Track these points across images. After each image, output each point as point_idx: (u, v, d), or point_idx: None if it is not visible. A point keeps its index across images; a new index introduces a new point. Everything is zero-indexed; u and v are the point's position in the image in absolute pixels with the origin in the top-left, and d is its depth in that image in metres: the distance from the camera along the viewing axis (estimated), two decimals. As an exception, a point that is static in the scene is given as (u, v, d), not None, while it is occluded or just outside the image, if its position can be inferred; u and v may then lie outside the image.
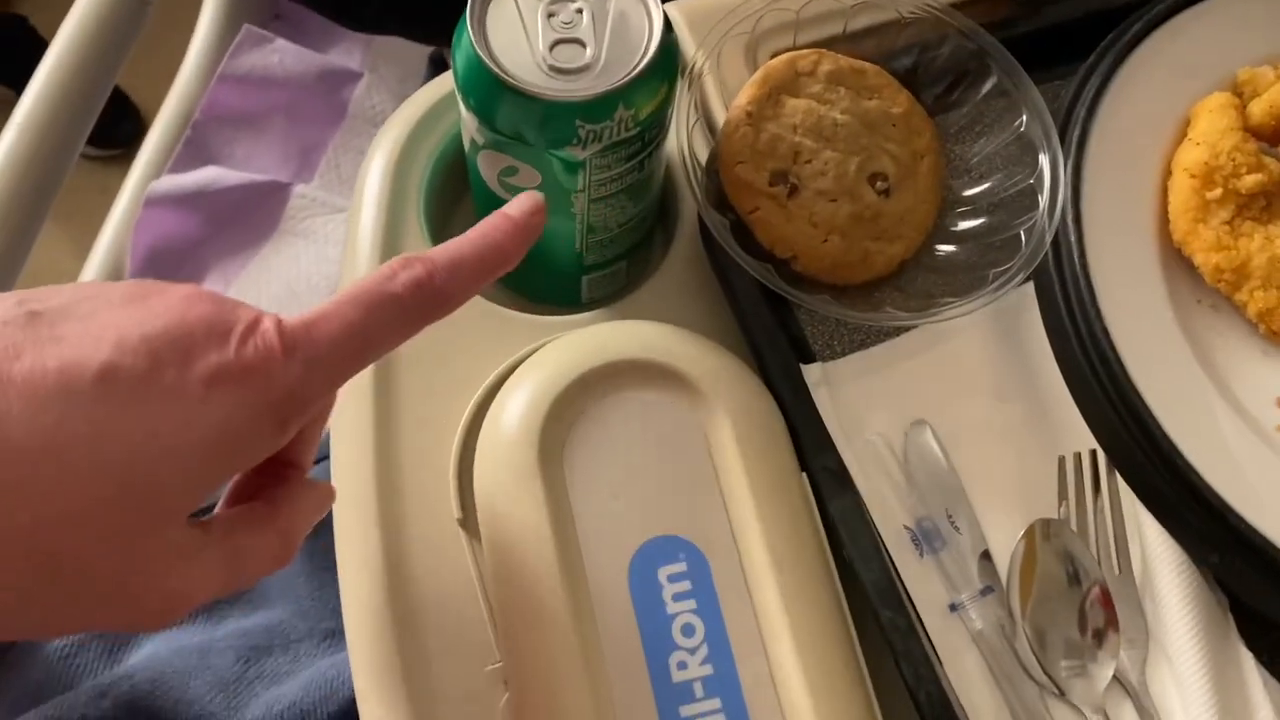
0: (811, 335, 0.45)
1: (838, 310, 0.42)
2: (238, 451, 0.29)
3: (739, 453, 0.39)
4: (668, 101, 0.41)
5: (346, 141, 0.97)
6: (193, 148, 0.90)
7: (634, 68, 0.38)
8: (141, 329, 0.27)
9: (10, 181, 0.71)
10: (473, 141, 0.42)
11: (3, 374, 0.26)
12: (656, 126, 0.41)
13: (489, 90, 0.39)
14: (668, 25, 0.40)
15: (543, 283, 0.49)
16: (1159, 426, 0.39)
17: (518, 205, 0.34)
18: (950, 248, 0.46)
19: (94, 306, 0.28)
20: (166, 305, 0.28)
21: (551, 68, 0.38)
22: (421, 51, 0.92)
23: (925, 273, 0.46)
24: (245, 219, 0.88)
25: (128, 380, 0.27)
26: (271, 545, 0.32)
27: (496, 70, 0.38)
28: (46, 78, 0.75)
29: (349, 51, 1.01)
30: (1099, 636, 0.39)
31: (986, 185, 0.46)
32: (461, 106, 0.41)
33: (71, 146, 0.77)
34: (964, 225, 0.46)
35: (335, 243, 0.86)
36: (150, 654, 0.56)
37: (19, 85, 0.76)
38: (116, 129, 1.65)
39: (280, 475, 0.34)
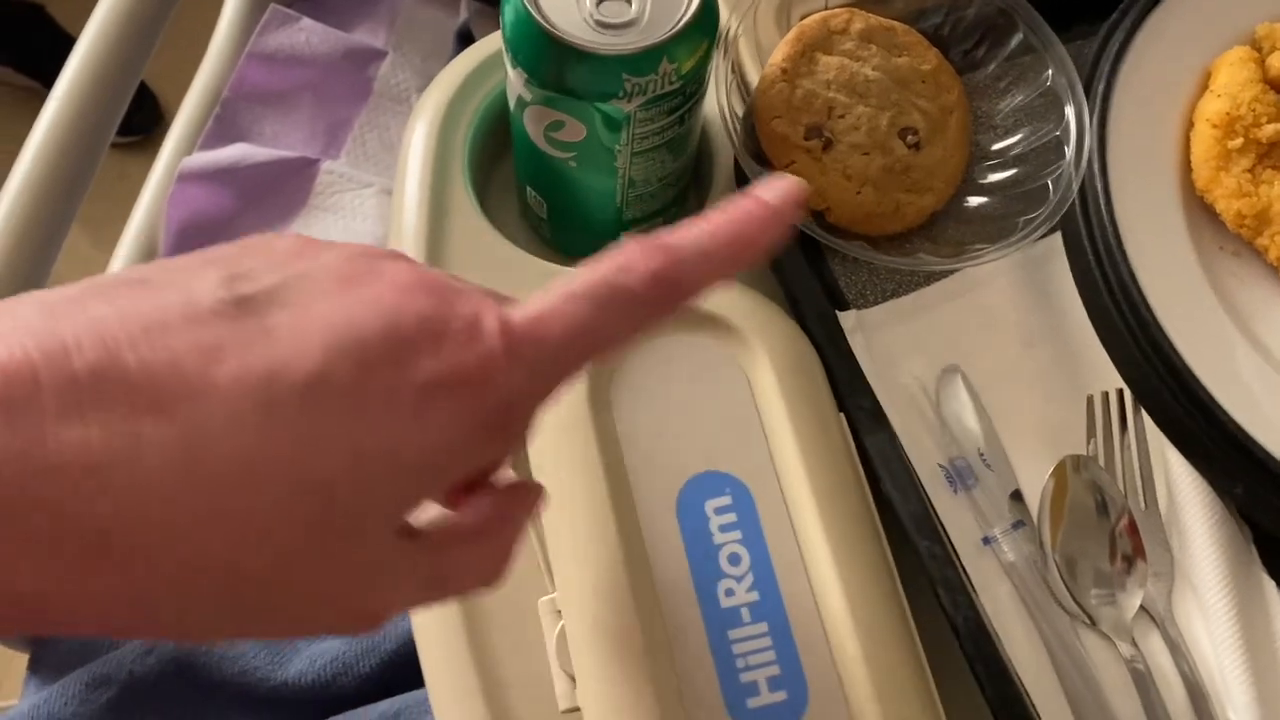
0: (845, 285, 0.47)
1: (873, 255, 0.43)
2: (452, 467, 0.26)
3: (780, 392, 0.41)
4: (708, 57, 0.42)
5: (372, 119, 0.98)
6: (222, 125, 0.92)
7: (677, 22, 0.40)
8: (353, 327, 0.24)
9: (43, 176, 0.72)
10: (519, 99, 0.43)
11: (204, 379, 0.22)
12: (697, 81, 0.42)
13: (537, 45, 0.40)
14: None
15: (584, 239, 0.50)
16: (1184, 364, 0.41)
17: (773, 189, 0.28)
18: (979, 199, 0.47)
19: (306, 289, 0.24)
20: (380, 297, 0.25)
21: (598, 23, 0.40)
22: (447, 29, 0.94)
23: (955, 223, 0.47)
24: (275, 194, 0.89)
25: (337, 390, 0.23)
26: (481, 564, 0.29)
27: (545, 25, 0.39)
28: (76, 70, 0.76)
29: (374, 31, 1.03)
30: (1128, 564, 0.41)
31: (1014, 138, 0.47)
32: (508, 64, 0.42)
33: (103, 139, 0.78)
34: (992, 178, 0.47)
35: (363, 217, 0.87)
36: (198, 610, 0.58)
37: (38, 74, 0.78)
38: (133, 117, 1.67)
39: (484, 479, 0.30)
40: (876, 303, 0.47)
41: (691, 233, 0.27)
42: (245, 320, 0.23)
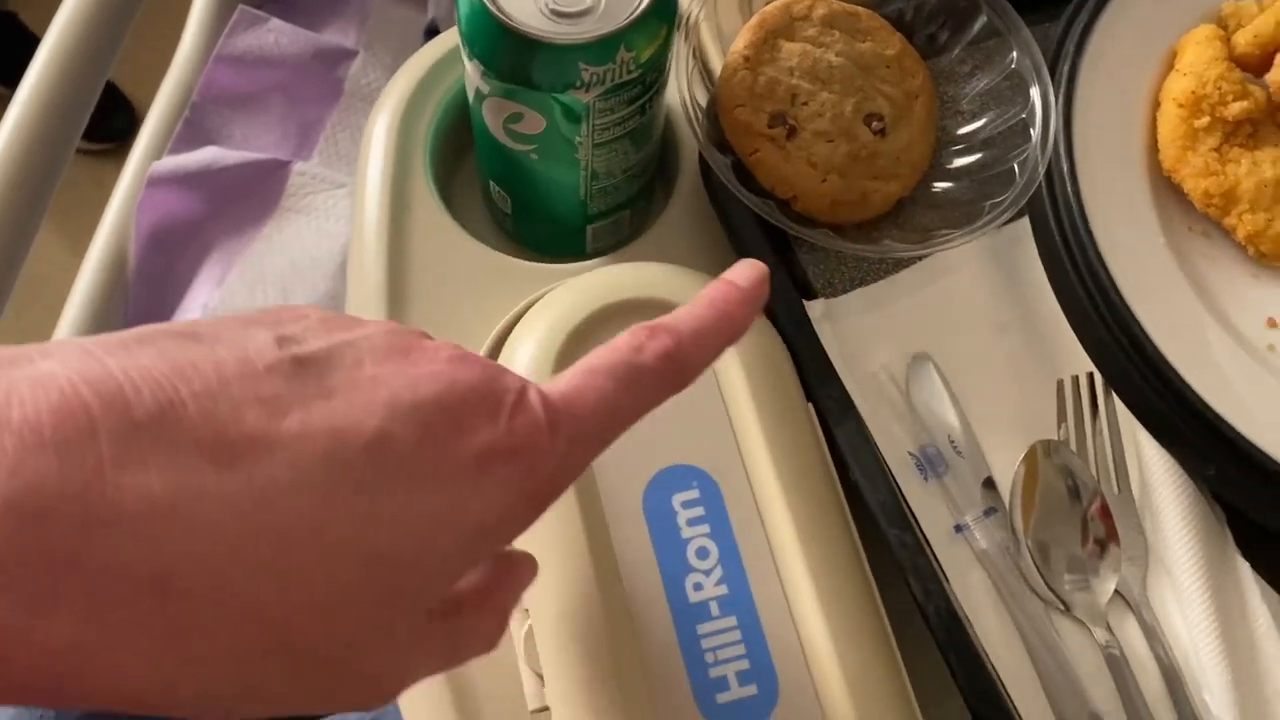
0: (813, 274, 0.47)
1: (838, 243, 0.43)
2: (498, 537, 0.26)
3: (746, 384, 0.40)
4: (667, 44, 0.42)
5: (344, 119, 0.97)
6: (192, 129, 0.91)
7: (634, 10, 0.39)
8: (413, 392, 0.24)
9: (8, 180, 0.71)
10: (477, 91, 0.43)
11: (269, 432, 0.22)
12: (657, 70, 0.42)
13: (492, 36, 0.39)
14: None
15: (548, 234, 0.50)
16: (1154, 346, 0.40)
17: (742, 273, 0.31)
18: (946, 185, 0.47)
19: (357, 355, 0.25)
20: (434, 364, 0.25)
21: (554, 12, 0.39)
22: (418, 27, 0.93)
23: (922, 210, 0.47)
24: (247, 197, 0.89)
25: (400, 452, 0.23)
26: (488, 628, 0.29)
27: (500, 15, 0.39)
28: (40, 72, 0.75)
29: (344, 30, 1.02)
30: (1101, 548, 0.41)
31: (980, 122, 0.47)
32: (465, 56, 0.42)
33: (68, 141, 0.77)
34: (959, 162, 0.47)
35: (336, 218, 0.86)
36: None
37: (11, 82, 0.77)
38: (110, 123, 1.66)
39: None
40: (845, 290, 0.46)
41: (688, 316, 0.29)
42: (305, 379, 0.23)
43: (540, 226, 0.50)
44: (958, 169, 0.47)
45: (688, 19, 0.45)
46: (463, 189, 0.53)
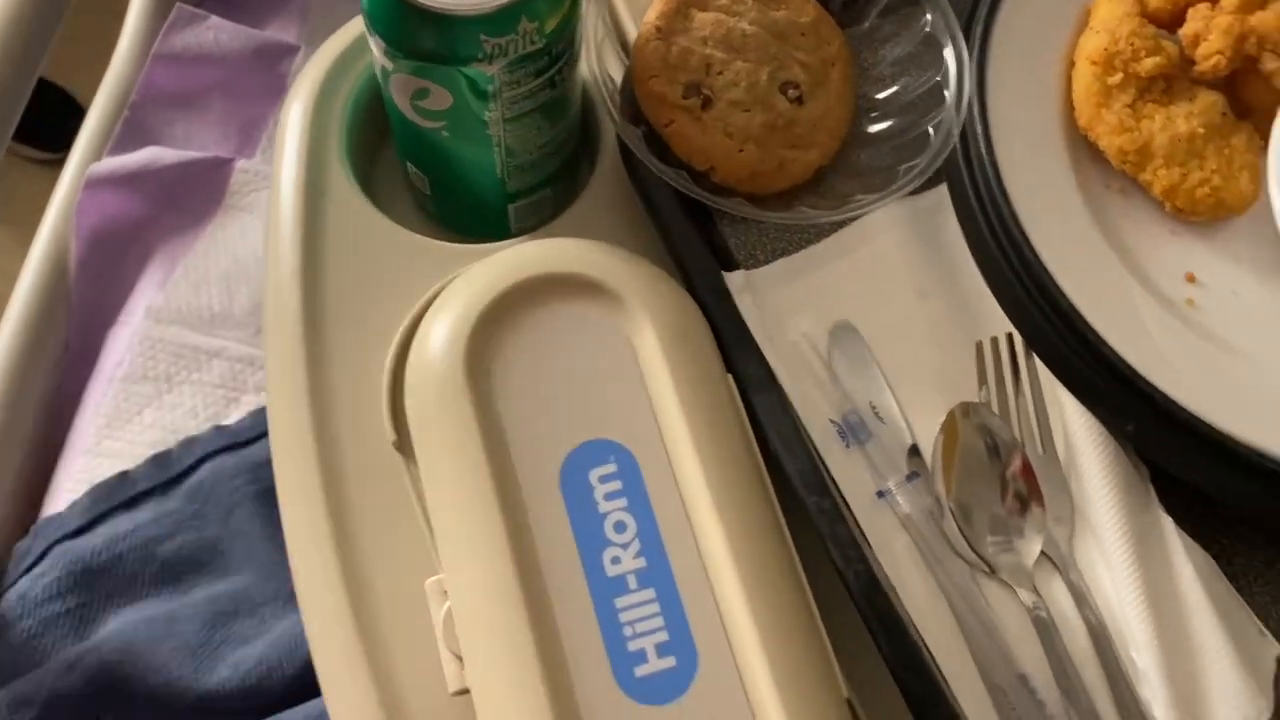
0: (735, 245, 0.46)
1: (753, 212, 0.42)
2: None
3: (664, 357, 0.40)
4: (574, 14, 0.41)
5: (286, 115, 0.97)
6: (131, 129, 0.89)
7: (532, -19, 0.39)
8: None
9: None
10: (383, 69, 0.42)
11: None
12: (565, 40, 0.41)
13: (391, 10, 0.39)
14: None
15: (470, 215, 0.49)
16: (1070, 304, 0.40)
17: None
18: (866, 151, 0.46)
19: None
20: None
21: (453, -16, 0.39)
22: (360, 22, 0.92)
23: (843, 177, 0.46)
24: (189, 197, 0.87)
25: None
26: None
27: (396, -11, 0.38)
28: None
29: (285, 26, 1.01)
30: (1022, 504, 0.40)
31: (897, 87, 0.47)
32: (368, 32, 0.41)
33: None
34: (877, 128, 0.46)
35: (280, 215, 0.86)
36: (118, 626, 0.57)
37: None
38: (63, 130, 1.64)
39: None
40: (768, 260, 0.46)
41: None
42: None
43: (460, 207, 0.49)
44: (877, 135, 0.46)
45: (599, -10, 0.44)
46: (387, 173, 0.52)
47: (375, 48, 0.41)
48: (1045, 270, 0.40)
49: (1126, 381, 0.39)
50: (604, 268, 0.41)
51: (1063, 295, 0.40)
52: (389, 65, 0.41)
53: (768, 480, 0.40)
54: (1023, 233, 0.41)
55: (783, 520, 0.39)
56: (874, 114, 0.47)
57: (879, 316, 0.44)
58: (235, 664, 0.55)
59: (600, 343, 0.40)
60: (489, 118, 0.42)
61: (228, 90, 0.93)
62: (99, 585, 0.58)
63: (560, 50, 0.41)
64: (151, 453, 0.62)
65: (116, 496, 0.61)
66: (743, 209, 0.42)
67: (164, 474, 0.62)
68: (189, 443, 0.62)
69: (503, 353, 0.40)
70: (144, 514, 0.60)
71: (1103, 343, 0.39)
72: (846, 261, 0.45)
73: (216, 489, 0.61)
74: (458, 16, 0.38)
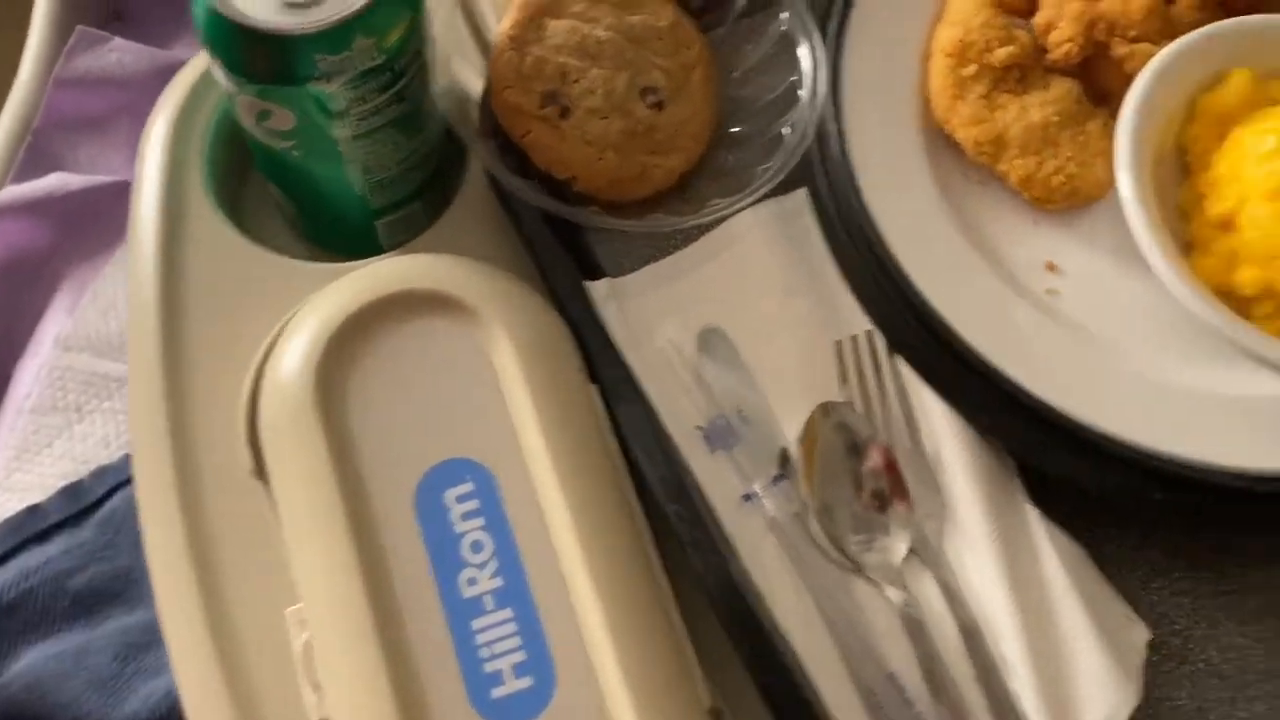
0: (602, 254, 0.46)
1: (607, 221, 0.42)
2: None
3: (521, 372, 0.39)
4: (415, 27, 0.41)
5: (195, 135, 0.95)
6: (34, 155, 0.88)
7: (365, -2, 0.38)
8: None
9: None
10: (227, 91, 0.41)
11: None
12: (407, 54, 0.41)
13: (222, 31, 0.38)
14: (404, -48, 0.40)
15: (338, 233, 0.49)
16: (924, 300, 0.40)
17: None
18: (730, 154, 0.46)
19: None
20: None
21: (286, 3, 0.38)
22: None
23: (707, 181, 0.46)
24: (97, 222, 0.86)
25: None
26: None
27: (225, 11, 0.38)
28: None
29: (192, 45, 1.00)
30: (880, 502, 0.40)
31: (757, 89, 0.46)
32: (208, 55, 0.40)
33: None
34: (739, 129, 0.46)
35: (190, 236, 0.85)
36: (28, 662, 0.56)
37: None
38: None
39: None
40: (635, 269, 0.45)
41: None
42: None
43: (327, 226, 0.48)
44: (739, 136, 0.46)
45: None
46: (258, 193, 0.51)
47: (216, 70, 0.40)
48: (898, 267, 0.40)
49: (982, 376, 0.39)
50: (460, 283, 0.41)
51: (916, 292, 0.40)
52: (231, 87, 0.40)
53: (631, 492, 0.39)
54: (876, 231, 0.41)
55: (647, 533, 0.39)
56: (737, 116, 0.47)
57: (748, 318, 0.44)
58: (146, 696, 0.54)
59: (457, 359, 0.40)
60: (338, 135, 0.42)
61: (134, 113, 0.92)
62: (10, 622, 0.57)
63: (405, 65, 0.41)
64: (62, 484, 0.61)
65: (26, 530, 0.60)
66: (595, 219, 0.42)
67: (75, 505, 0.61)
68: (100, 472, 0.61)
69: (357, 374, 0.39)
70: (55, 547, 0.59)
71: (957, 338, 0.40)
72: (714, 265, 0.45)
73: (129, 518, 0.60)
74: (289, 36, 0.38)
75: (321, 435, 0.38)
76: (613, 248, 0.46)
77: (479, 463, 0.39)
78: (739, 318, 0.44)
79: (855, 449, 0.41)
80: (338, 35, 0.38)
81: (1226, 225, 0.40)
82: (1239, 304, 0.40)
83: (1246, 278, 0.39)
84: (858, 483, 0.40)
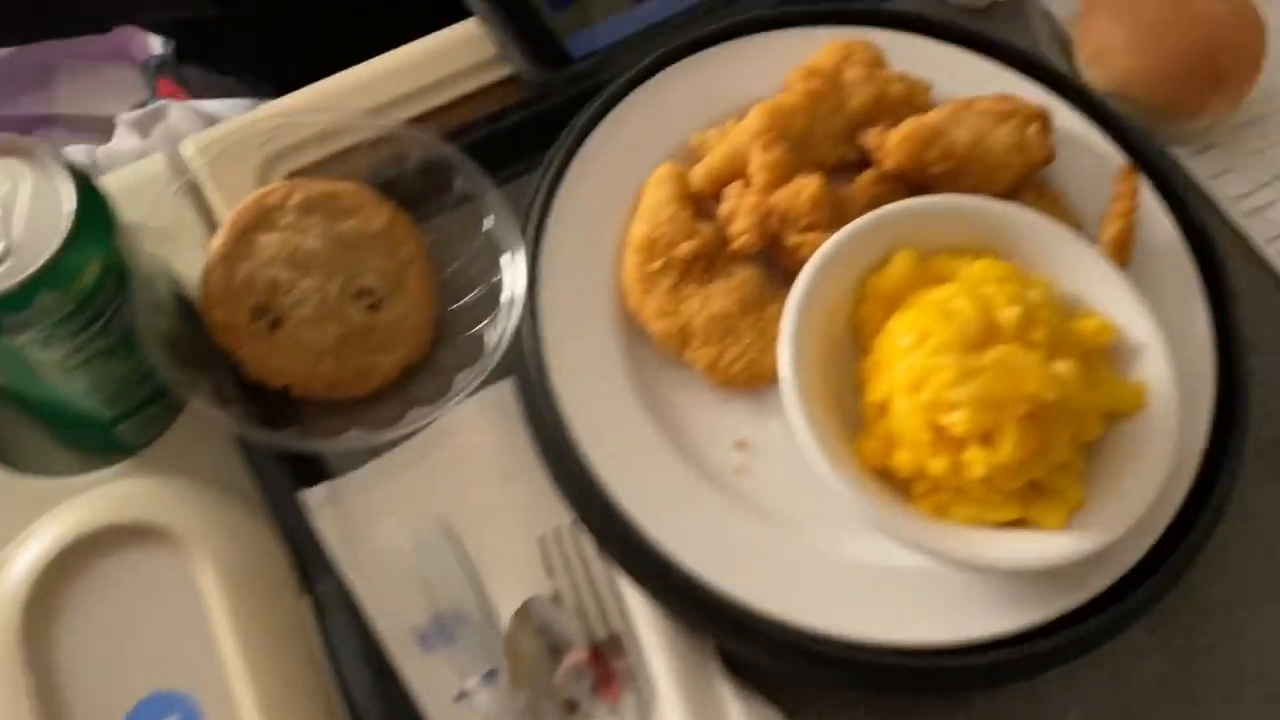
0: (330, 452, 0.47)
1: (305, 444, 0.44)
2: None
3: (225, 597, 0.41)
4: (110, 267, 0.42)
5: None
6: None
7: (46, 252, 0.40)
8: None
9: None
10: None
11: None
12: (103, 294, 0.42)
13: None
14: (89, 196, 0.41)
15: (80, 439, 0.50)
16: (609, 495, 0.42)
17: None
18: (449, 349, 0.48)
19: None
20: None
21: (-29, 266, 0.39)
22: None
23: (434, 375, 0.48)
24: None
25: None
26: None
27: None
28: None
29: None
30: (573, 705, 0.43)
31: (470, 285, 0.48)
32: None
33: None
34: (457, 326, 0.48)
35: None
36: None
37: None
38: None
39: None
40: (362, 464, 0.47)
41: None
42: None
43: (69, 433, 0.49)
44: (455, 329, 0.48)
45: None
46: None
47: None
48: (584, 461, 0.43)
49: (665, 569, 0.42)
50: (166, 511, 0.42)
51: (600, 484, 0.42)
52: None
53: (338, 707, 0.41)
54: (563, 426, 0.43)
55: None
56: (456, 310, 0.49)
57: (469, 509, 0.46)
58: None
59: (165, 589, 0.42)
60: (47, 367, 0.43)
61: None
62: None
63: (103, 303, 0.42)
64: None
65: None
66: (291, 443, 0.43)
67: None
68: None
69: (66, 610, 0.41)
70: None
71: (635, 530, 0.42)
72: (436, 456, 0.47)
73: None
74: (-38, 303, 0.39)
75: (24, 674, 0.39)
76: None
77: (185, 694, 0.40)
78: (460, 509, 0.46)
79: (555, 649, 0.43)
80: (19, 296, 0.39)
81: (883, 410, 0.43)
82: (901, 484, 0.43)
83: (901, 460, 0.42)
84: (566, 681, 0.42)
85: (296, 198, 0.47)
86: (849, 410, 0.44)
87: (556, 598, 0.45)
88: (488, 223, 0.47)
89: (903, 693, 0.45)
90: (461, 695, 0.43)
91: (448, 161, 0.48)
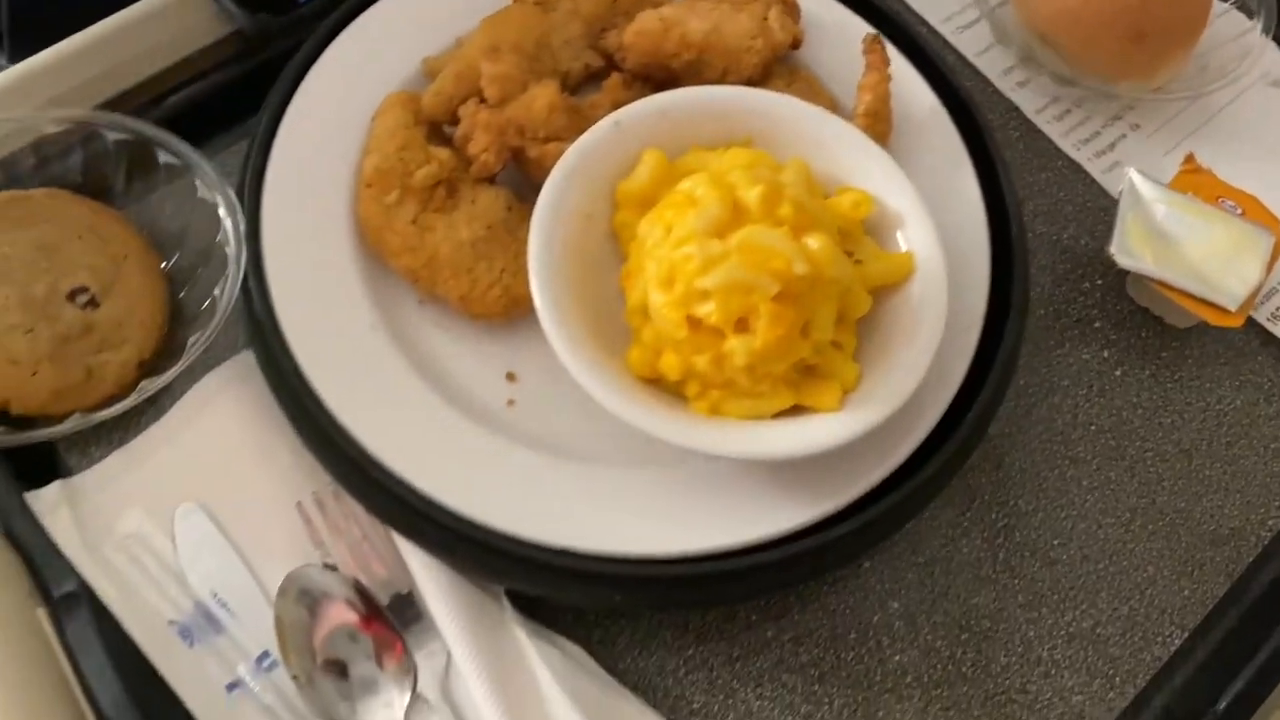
0: (64, 447, 0.43)
1: (24, 436, 0.40)
2: None
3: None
4: None
5: None
6: None
7: None
8: None
9: None
10: None
11: None
12: None
13: None
14: None
15: None
16: (354, 442, 0.39)
17: None
18: (186, 329, 0.44)
19: None
20: None
21: None
22: None
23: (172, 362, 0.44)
24: None
25: None
26: None
27: None
28: None
29: None
30: (379, 660, 0.40)
31: (192, 257, 0.45)
32: None
33: None
34: (195, 312, 0.44)
35: None
36: None
37: None
38: None
39: None
40: (104, 455, 0.43)
41: None
42: None
43: None
44: (188, 309, 0.45)
45: None
46: None
47: None
48: (335, 422, 0.40)
49: (437, 518, 0.39)
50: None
51: (355, 444, 0.39)
52: None
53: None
54: (306, 383, 0.40)
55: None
56: (183, 289, 0.45)
57: (226, 490, 0.43)
58: None
59: None
60: None
61: None
62: None
63: None
64: None
65: None
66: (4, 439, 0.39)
67: None
68: None
69: None
70: None
71: (396, 480, 0.39)
72: (186, 437, 0.43)
73: None
74: None
75: None
76: (77, 436, 0.43)
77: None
78: (217, 490, 0.43)
79: (318, 614, 0.40)
80: None
81: (644, 314, 0.40)
82: (674, 387, 0.41)
83: (669, 364, 0.40)
84: (314, 647, 0.39)
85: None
86: (619, 322, 0.42)
87: (331, 568, 0.41)
88: (201, 190, 0.43)
89: (701, 604, 0.43)
90: (234, 684, 0.40)
91: (145, 137, 0.44)
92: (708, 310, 0.38)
